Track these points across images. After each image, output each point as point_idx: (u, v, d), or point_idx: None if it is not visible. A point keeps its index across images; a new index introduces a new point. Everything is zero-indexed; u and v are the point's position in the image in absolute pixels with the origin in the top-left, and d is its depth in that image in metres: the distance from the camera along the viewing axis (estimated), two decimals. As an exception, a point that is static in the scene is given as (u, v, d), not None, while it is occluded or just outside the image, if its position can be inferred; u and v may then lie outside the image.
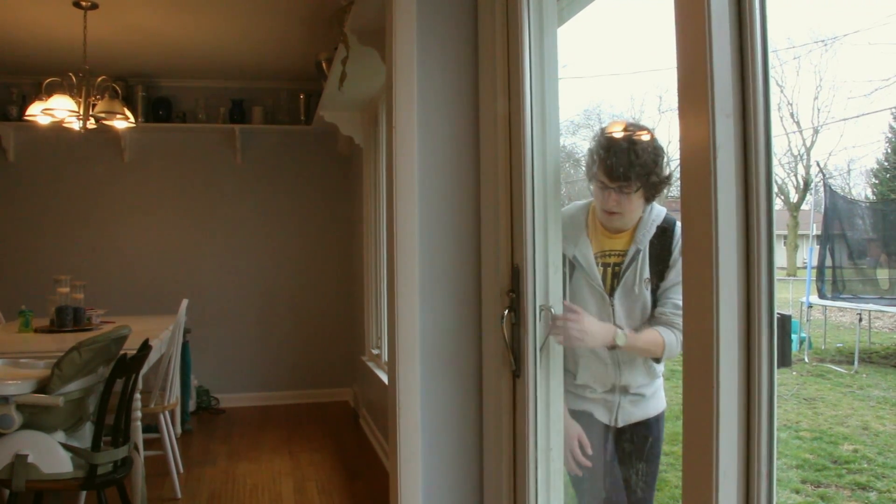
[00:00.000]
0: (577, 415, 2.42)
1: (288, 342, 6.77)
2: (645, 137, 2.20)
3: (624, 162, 2.15)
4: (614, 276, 2.29)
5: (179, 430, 5.32)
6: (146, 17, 4.90)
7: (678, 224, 2.25)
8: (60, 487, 2.95)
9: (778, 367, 1.18)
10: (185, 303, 4.58)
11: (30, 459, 2.82)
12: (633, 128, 2.25)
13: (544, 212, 2.10)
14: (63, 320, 4.42)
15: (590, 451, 2.35)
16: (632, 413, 2.41)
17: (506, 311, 2.10)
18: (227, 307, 6.52)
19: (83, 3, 4.57)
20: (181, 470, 4.61)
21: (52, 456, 2.86)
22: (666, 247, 2.28)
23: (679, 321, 2.27)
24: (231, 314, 6.58)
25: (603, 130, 2.30)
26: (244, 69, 6.28)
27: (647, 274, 2.26)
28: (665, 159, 2.19)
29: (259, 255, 6.67)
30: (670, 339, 2.34)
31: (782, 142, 4.97)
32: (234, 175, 6.66)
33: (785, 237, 6.36)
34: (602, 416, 2.43)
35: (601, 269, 2.29)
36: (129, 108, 4.88)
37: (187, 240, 6.65)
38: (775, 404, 1.19)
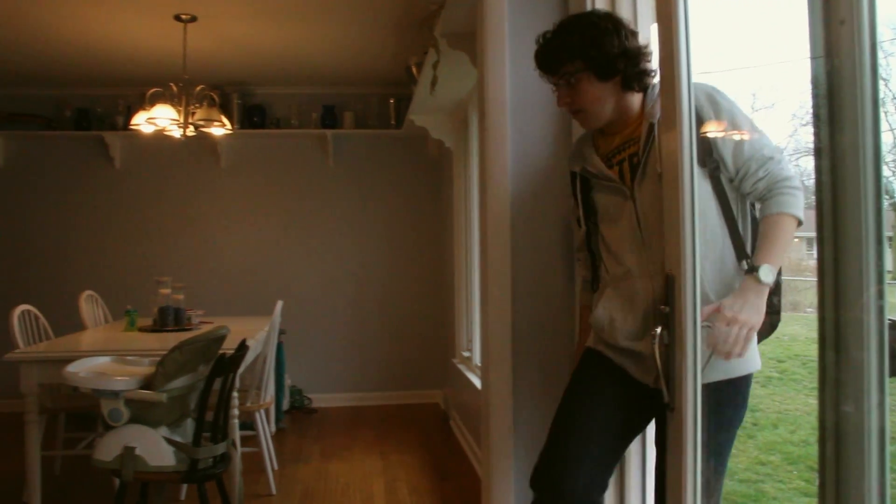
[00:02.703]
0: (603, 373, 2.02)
1: (379, 344, 6.86)
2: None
3: (552, 45, 1.93)
4: (633, 167, 1.93)
5: (274, 428, 5.45)
6: (242, 27, 5.05)
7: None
8: (164, 479, 3.07)
9: (890, 376, 1.12)
10: (279, 304, 4.69)
11: (137, 451, 2.95)
12: (576, 13, 2.01)
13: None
14: (165, 320, 4.59)
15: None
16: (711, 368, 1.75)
17: (658, 329, 1.68)
18: (320, 309, 6.64)
19: (183, 17, 4.76)
20: (276, 467, 4.72)
21: (156, 449, 2.98)
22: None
23: (778, 170, 1.80)
24: (323, 316, 6.70)
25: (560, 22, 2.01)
26: (335, 75, 6.41)
27: None
28: (623, 32, 1.90)
29: (350, 257, 6.78)
30: (792, 202, 1.78)
31: (888, 138, 4.76)
32: (326, 179, 6.78)
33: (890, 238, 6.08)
34: (634, 368, 1.95)
35: (616, 168, 1.97)
36: (225, 116, 5.04)
37: (281, 242, 6.81)
38: (887, 414, 1.12)
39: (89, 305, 5.30)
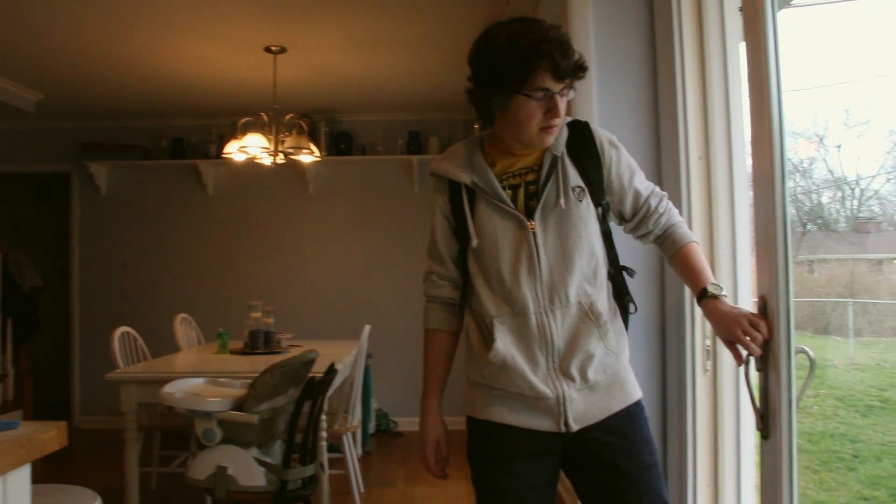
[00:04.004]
0: (483, 425, 1.90)
1: (464, 368, 6.81)
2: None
3: (571, 53, 1.74)
4: (530, 195, 1.84)
5: (360, 451, 5.50)
6: (329, 57, 5.18)
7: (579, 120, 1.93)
8: (254, 500, 3.13)
9: None
10: (367, 328, 4.75)
11: (229, 471, 3.02)
12: (531, 19, 1.83)
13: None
14: (255, 343, 4.70)
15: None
16: (593, 406, 1.81)
17: (745, 353, 1.71)
18: (406, 333, 6.62)
19: (273, 48, 4.91)
20: (362, 490, 4.76)
21: (247, 469, 3.04)
22: (590, 148, 1.87)
23: (671, 205, 1.94)
24: (410, 340, 6.64)
25: (518, 24, 1.80)
26: (421, 101, 6.49)
27: (575, 182, 1.82)
28: None
29: (434, 281, 6.75)
30: (689, 232, 1.94)
31: None
32: (412, 204, 6.84)
33: None
34: (540, 420, 1.83)
35: (509, 192, 1.84)
36: (313, 143, 5.16)
37: (368, 267, 6.90)
38: None
39: (183, 328, 5.48)
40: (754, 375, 1.77)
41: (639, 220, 1.93)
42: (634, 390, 1.86)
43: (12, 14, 4.31)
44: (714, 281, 1.82)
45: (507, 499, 1.83)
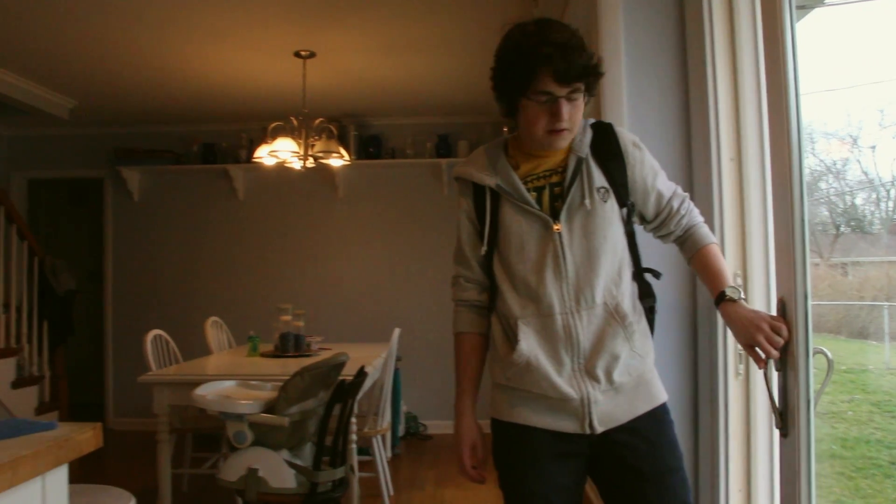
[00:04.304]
0: (510, 428, 1.89)
1: (489, 371, 6.80)
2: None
3: (575, 57, 1.72)
4: (554, 197, 1.84)
5: (389, 454, 5.52)
6: (358, 61, 5.21)
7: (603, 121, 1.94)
8: (285, 501, 3.14)
9: None
10: (397, 331, 4.76)
11: (260, 473, 3.05)
12: (545, 21, 1.81)
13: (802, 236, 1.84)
14: (286, 346, 4.73)
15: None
16: (618, 408, 1.81)
17: (762, 355, 1.74)
18: (436, 336, 6.61)
19: (302, 53, 4.95)
20: (391, 492, 4.76)
21: (278, 471, 3.06)
22: (613, 149, 1.87)
23: (692, 206, 1.95)
24: (439, 343, 6.61)
25: (531, 27, 1.80)
26: (450, 105, 6.50)
27: (600, 182, 1.83)
28: None
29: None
30: (709, 232, 1.94)
31: None
32: (441, 207, 6.87)
33: None
34: (565, 422, 1.82)
35: (533, 194, 1.84)
36: (343, 147, 5.18)
37: (398, 270, 6.92)
38: None
39: (214, 331, 5.53)
40: (773, 375, 1.79)
41: (661, 221, 1.94)
42: (660, 393, 1.85)
43: (47, 22, 4.38)
44: (732, 284, 1.82)
45: (535, 501, 1.83)
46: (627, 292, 1.83)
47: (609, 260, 1.80)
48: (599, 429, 1.78)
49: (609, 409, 1.78)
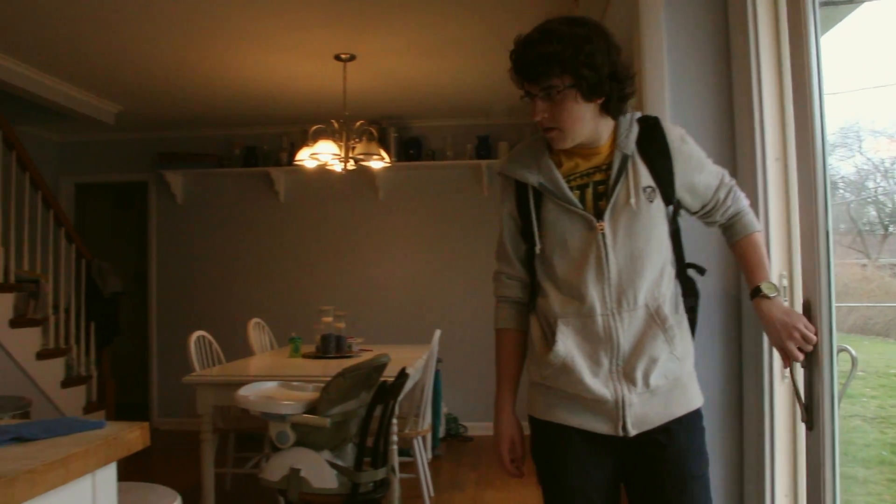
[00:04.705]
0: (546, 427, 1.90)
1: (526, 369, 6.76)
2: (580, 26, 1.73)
3: (540, 53, 1.69)
4: (598, 195, 1.81)
5: (430, 456, 5.52)
6: (398, 64, 5.23)
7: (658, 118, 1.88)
8: (326, 502, 3.16)
9: None
10: (437, 333, 4.77)
11: (302, 473, 3.07)
12: (563, 18, 1.76)
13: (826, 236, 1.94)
14: (327, 347, 4.76)
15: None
16: (652, 411, 1.80)
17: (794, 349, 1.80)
18: (476, 337, 6.61)
19: (343, 56, 4.98)
20: (432, 494, 4.77)
21: (320, 472, 3.08)
22: (659, 145, 1.83)
23: (740, 194, 1.93)
24: (480, 344, 6.57)
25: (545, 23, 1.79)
26: (489, 106, 6.48)
27: (646, 182, 1.79)
28: (613, 50, 1.74)
29: (503, 286, 6.72)
30: (755, 220, 1.95)
31: None
32: (481, 208, 6.84)
33: None
34: (599, 423, 1.82)
35: (576, 192, 1.81)
36: (383, 149, 5.21)
37: (438, 271, 6.92)
38: None
39: (257, 332, 5.59)
40: (799, 370, 1.85)
41: (706, 212, 1.93)
42: (695, 398, 1.84)
43: (94, 31, 4.48)
44: (769, 279, 1.83)
45: (576, 498, 1.84)
46: (670, 293, 1.82)
47: (653, 261, 1.78)
48: (633, 431, 1.78)
49: (643, 412, 1.78)
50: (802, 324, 1.76)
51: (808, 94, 1.73)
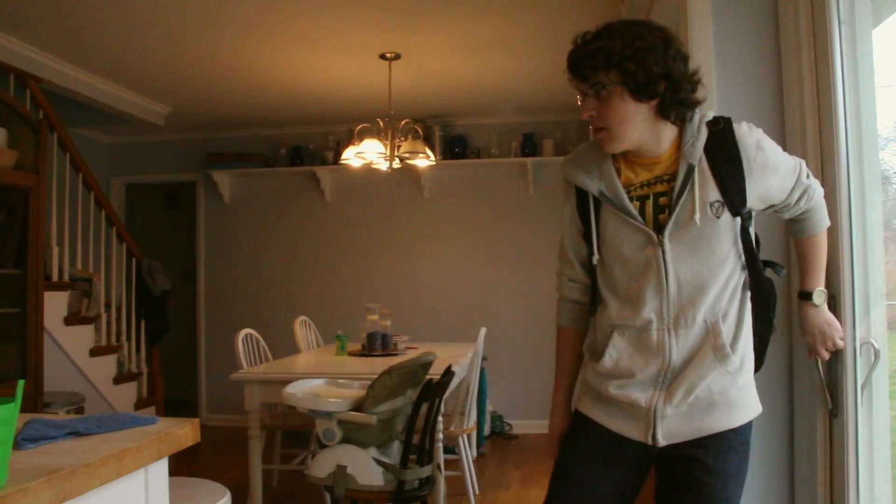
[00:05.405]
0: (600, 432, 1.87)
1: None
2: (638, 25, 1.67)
3: (589, 48, 1.65)
4: (659, 208, 1.73)
5: (475, 454, 5.52)
6: (443, 62, 5.23)
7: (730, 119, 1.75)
8: (372, 498, 3.18)
9: None
10: (483, 331, 4.76)
11: (348, 470, 3.09)
12: (625, 20, 1.70)
13: (863, 233, 1.92)
14: (373, 345, 4.78)
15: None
16: (685, 424, 1.77)
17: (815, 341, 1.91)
18: (522, 335, 6.60)
19: (388, 55, 4.99)
20: (477, 491, 4.77)
21: (366, 469, 3.10)
22: (730, 152, 1.69)
23: (815, 190, 1.83)
24: (525, 342, 6.64)
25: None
26: (534, 104, 6.46)
27: (713, 196, 1.68)
28: (671, 51, 1.64)
29: (552, 283, 6.66)
30: (826, 216, 1.87)
31: None
32: (527, 207, 6.81)
33: None
34: (632, 428, 1.82)
35: (636, 204, 1.74)
36: (428, 147, 5.21)
37: (483, 269, 6.90)
38: None
39: (303, 330, 5.63)
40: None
41: (774, 210, 1.85)
42: (740, 415, 1.77)
43: (146, 36, 4.56)
44: (822, 286, 1.88)
45: (598, 492, 1.86)
46: (733, 309, 1.76)
47: (716, 278, 1.72)
48: (662, 442, 1.76)
49: (675, 424, 1.75)
50: (839, 336, 1.87)
51: (832, 91, 1.82)
